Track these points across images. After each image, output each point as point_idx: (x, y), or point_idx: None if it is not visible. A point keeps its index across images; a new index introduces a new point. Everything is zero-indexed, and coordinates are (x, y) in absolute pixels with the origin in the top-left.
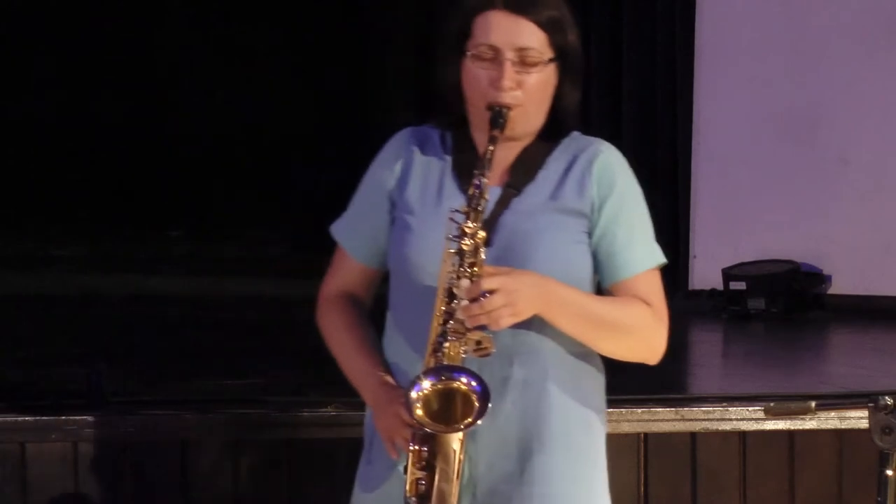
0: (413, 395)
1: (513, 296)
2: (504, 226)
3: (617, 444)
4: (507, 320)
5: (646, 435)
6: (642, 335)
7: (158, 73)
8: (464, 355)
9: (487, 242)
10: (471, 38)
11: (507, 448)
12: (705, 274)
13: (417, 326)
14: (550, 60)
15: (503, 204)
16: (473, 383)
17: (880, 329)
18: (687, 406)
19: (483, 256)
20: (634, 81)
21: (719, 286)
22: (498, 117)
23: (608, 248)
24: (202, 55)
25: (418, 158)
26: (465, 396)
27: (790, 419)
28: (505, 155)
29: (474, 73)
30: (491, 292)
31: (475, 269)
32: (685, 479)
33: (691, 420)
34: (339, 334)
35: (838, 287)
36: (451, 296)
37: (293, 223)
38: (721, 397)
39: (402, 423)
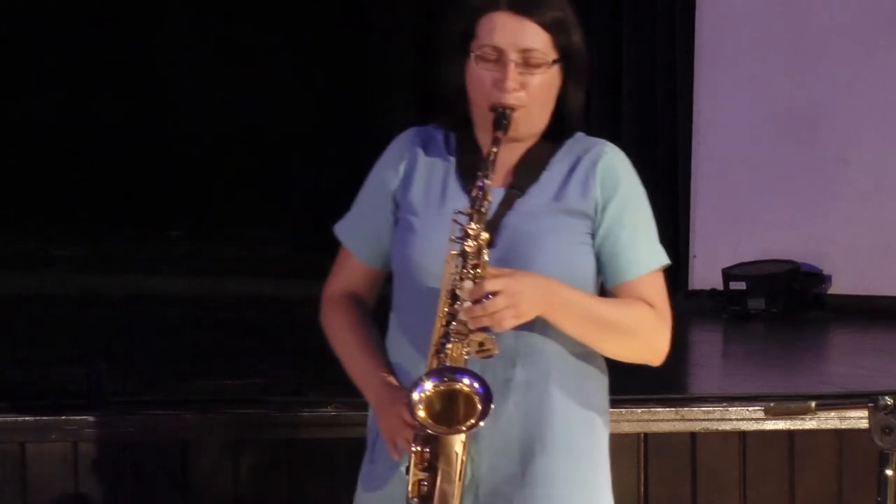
0: (415, 396)
1: (516, 298)
2: (507, 227)
3: (617, 444)
4: (509, 322)
5: (646, 435)
6: (645, 337)
7: (158, 73)
8: (466, 357)
9: (491, 243)
10: (475, 39)
11: (509, 449)
12: (705, 274)
13: (421, 327)
14: (554, 62)
15: (506, 205)
16: (476, 385)
17: (880, 329)
18: (687, 406)
19: (486, 258)
20: (634, 81)
21: (719, 286)
22: (501, 119)
23: (611, 249)
24: (202, 55)
25: (422, 159)
26: (468, 398)
27: (790, 419)
28: (508, 156)
29: (478, 74)
30: (494, 294)
31: (478, 270)
32: (685, 479)
33: (691, 420)
34: (342, 334)
35: (838, 287)
36: (453, 297)
37: (293, 223)
38: (721, 397)
39: (405, 424)
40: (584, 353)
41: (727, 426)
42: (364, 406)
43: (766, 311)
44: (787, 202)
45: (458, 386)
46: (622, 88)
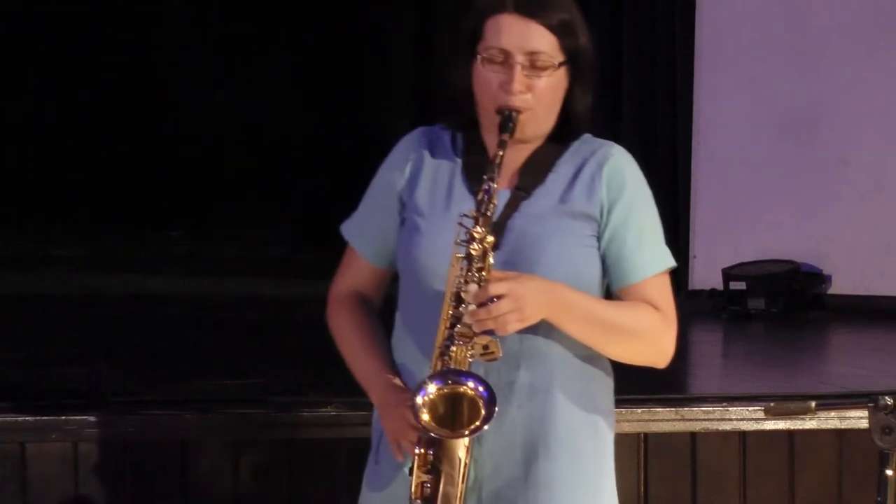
0: (419, 400)
1: (520, 301)
2: (512, 229)
3: (617, 444)
4: (514, 325)
5: (646, 435)
6: (650, 339)
7: (158, 73)
8: (471, 359)
9: (496, 245)
10: (481, 41)
11: (512, 452)
12: (705, 274)
13: (426, 328)
14: (561, 64)
15: (512, 207)
16: (480, 388)
17: (880, 329)
18: (687, 406)
19: (491, 261)
20: (634, 81)
21: (719, 286)
22: (507, 121)
23: (617, 251)
24: (202, 55)
25: (428, 159)
26: (472, 401)
27: (790, 419)
28: (515, 157)
29: (485, 76)
30: (498, 297)
31: (483, 273)
32: (685, 479)
33: (691, 420)
34: (348, 334)
35: (838, 287)
36: (458, 300)
37: (293, 223)
38: (721, 397)
39: (409, 425)
40: (589, 356)
41: (727, 426)
42: (364, 406)
43: (766, 311)
44: (787, 202)
45: (461, 389)
46: (622, 88)
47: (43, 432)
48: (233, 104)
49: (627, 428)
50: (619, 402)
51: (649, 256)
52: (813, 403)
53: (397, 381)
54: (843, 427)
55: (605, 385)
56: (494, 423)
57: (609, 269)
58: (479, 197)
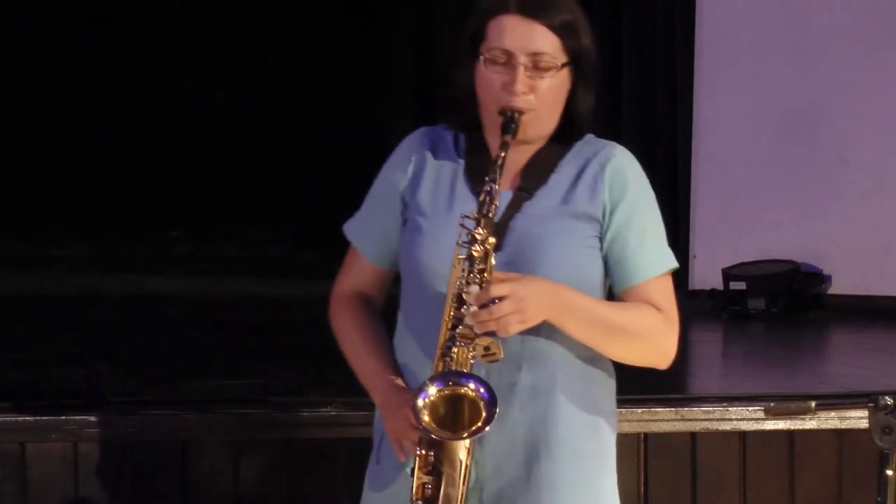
0: (419, 402)
1: (522, 303)
2: (515, 230)
3: (617, 444)
4: (515, 327)
5: (646, 435)
6: (652, 340)
7: (158, 73)
8: (472, 361)
9: (498, 246)
10: (484, 42)
11: (514, 453)
12: (705, 274)
13: (428, 329)
14: (564, 65)
15: (514, 207)
16: (481, 390)
17: (880, 329)
18: (687, 406)
19: (493, 261)
20: (634, 81)
21: (719, 286)
22: (510, 122)
23: (619, 252)
24: (202, 55)
25: (431, 160)
26: (473, 402)
27: (790, 419)
28: (517, 158)
29: (487, 77)
30: (500, 299)
31: (485, 275)
32: (685, 479)
33: (691, 420)
34: (350, 334)
35: (838, 287)
36: (460, 301)
37: (293, 223)
38: (721, 397)
39: (410, 426)
40: (591, 357)
41: (727, 426)
42: (364, 406)
43: (766, 311)
44: (787, 202)
45: (462, 390)
46: (622, 88)
47: (43, 432)
48: (233, 104)
49: (627, 428)
50: (619, 402)
51: (651, 257)
52: (813, 403)
53: (399, 381)
54: (843, 427)
55: (607, 386)
56: (496, 424)
57: (611, 270)
58: (481, 198)
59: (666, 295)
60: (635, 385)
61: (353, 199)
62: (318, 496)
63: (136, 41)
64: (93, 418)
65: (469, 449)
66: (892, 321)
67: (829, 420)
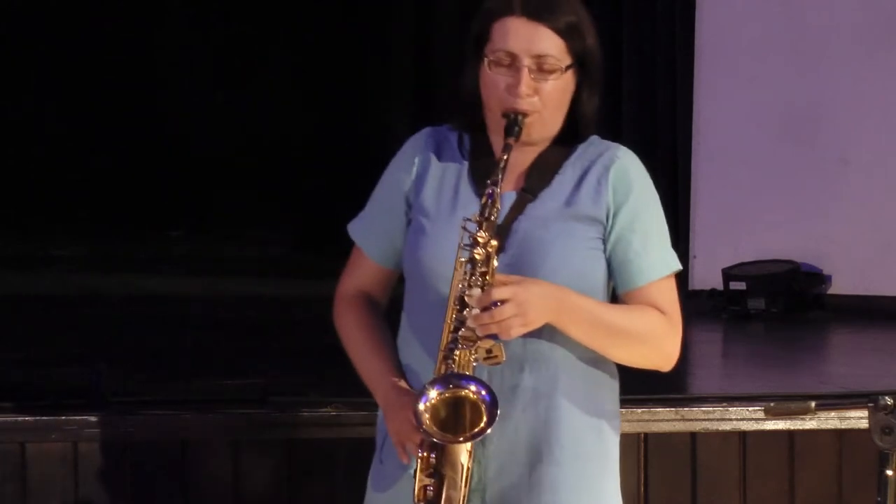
0: (420, 406)
1: (524, 306)
2: (517, 231)
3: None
4: (517, 330)
5: (646, 435)
6: (655, 343)
7: (158, 73)
8: (474, 363)
9: (501, 248)
10: (489, 44)
11: (516, 455)
12: (705, 274)
13: (431, 330)
14: (568, 67)
15: (518, 209)
16: (483, 392)
17: (880, 329)
18: (687, 406)
19: (496, 264)
20: (634, 81)
21: (719, 286)
22: (513, 125)
23: (623, 255)
24: (202, 55)
25: (435, 160)
26: (474, 405)
27: (790, 419)
28: (522, 159)
29: (492, 79)
30: (502, 301)
31: (487, 278)
32: (685, 479)
33: (691, 420)
34: (354, 334)
35: (838, 287)
36: (462, 304)
37: (293, 223)
38: (721, 397)
39: (413, 428)
40: (594, 359)
41: (727, 426)
42: (364, 406)
43: (766, 311)
44: (787, 202)
45: (463, 393)
46: (622, 88)
47: (43, 432)
48: (233, 104)
49: (627, 428)
50: (620, 403)
51: (655, 260)
52: (813, 403)
53: (402, 382)
54: (843, 427)
55: (610, 388)
56: (498, 426)
57: (614, 272)
58: (483, 201)
59: (669, 297)
60: (635, 385)
61: (353, 199)
62: (318, 496)
63: (136, 41)
64: (93, 418)
65: (471, 452)
66: (892, 321)
67: (829, 420)
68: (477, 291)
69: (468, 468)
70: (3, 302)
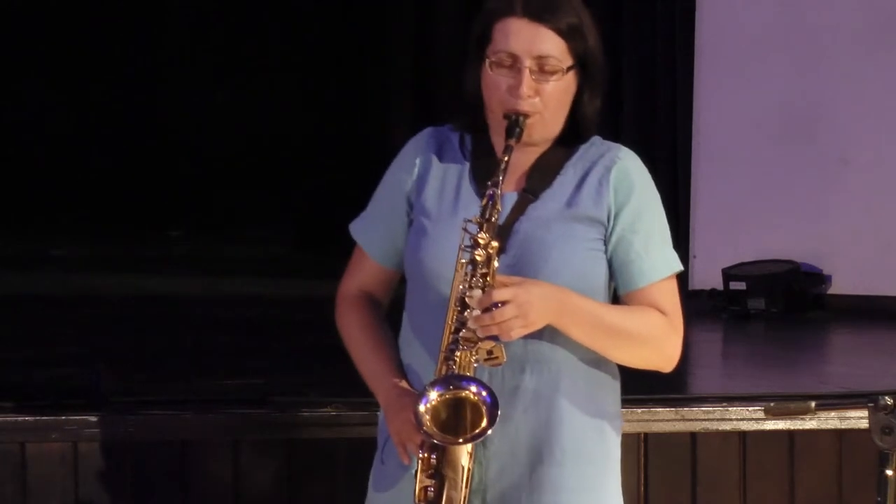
0: (421, 408)
1: (524, 307)
2: (518, 232)
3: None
4: (518, 332)
5: (646, 435)
6: (656, 344)
7: (159, 73)
8: (475, 364)
9: (502, 248)
10: (490, 45)
11: (517, 456)
12: (705, 274)
13: (432, 330)
14: (569, 68)
15: (519, 210)
16: (483, 393)
17: (880, 329)
18: (687, 406)
19: (496, 264)
20: (634, 81)
21: (719, 286)
22: (514, 126)
23: (624, 256)
24: (203, 55)
25: (437, 161)
26: (475, 406)
27: (790, 419)
28: (523, 160)
29: (493, 80)
30: (503, 303)
31: (488, 279)
32: (685, 479)
33: (691, 420)
34: (356, 334)
35: (838, 287)
36: (463, 305)
37: (294, 223)
38: (721, 397)
39: (414, 428)
40: (595, 360)
41: (727, 426)
42: (364, 406)
43: (766, 311)
44: (787, 202)
45: (464, 394)
46: (622, 88)
47: (43, 432)
48: (233, 104)
49: (627, 428)
50: (620, 403)
51: (656, 261)
52: (813, 403)
53: (403, 383)
54: (843, 427)
55: (612, 389)
56: (499, 427)
57: (616, 273)
58: (484, 203)
59: (670, 298)
60: (635, 385)
61: (352, 199)
62: (318, 496)
63: (136, 41)
64: (93, 418)
65: (471, 453)
66: (892, 321)
67: (829, 420)
68: (478, 293)
69: (469, 469)
70: (3, 302)
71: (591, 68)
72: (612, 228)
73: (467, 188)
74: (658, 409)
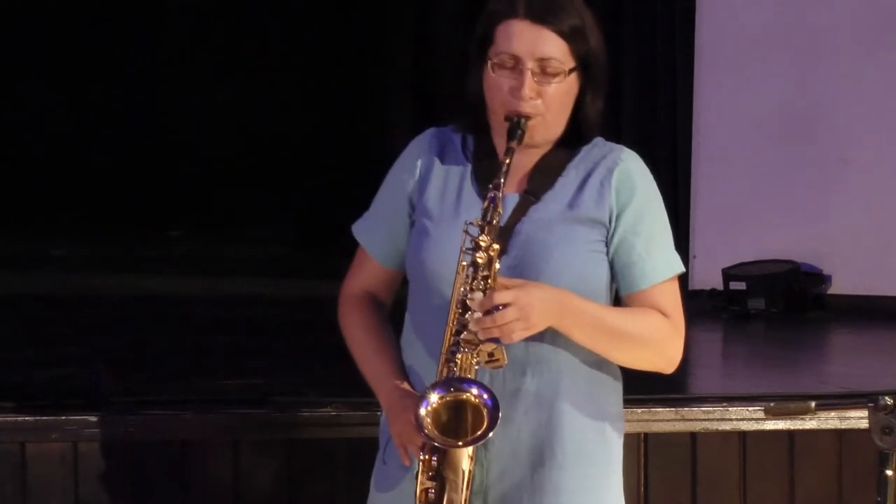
0: (422, 411)
1: (525, 310)
2: (520, 234)
3: None
4: (519, 334)
5: (646, 435)
6: (658, 346)
7: (159, 73)
8: (476, 367)
9: (503, 250)
10: (492, 46)
11: (518, 458)
12: (705, 274)
13: (433, 331)
14: (572, 70)
15: (521, 211)
16: (484, 395)
17: (880, 329)
18: (687, 406)
19: (497, 267)
20: (634, 81)
21: (719, 286)
22: (516, 128)
23: (626, 257)
24: (203, 55)
25: (439, 162)
26: (476, 408)
27: (790, 419)
28: (525, 161)
29: (495, 81)
30: (504, 305)
31: (489, 281)
32: (685, 479)
33: (691, 420)
34: (358, 335)
35: (838, 287)
36: (464, 307)
37: (294, 223)
38: (721, 397)
39: (415, 430)
40: (596, 362)
41: (727, 426)
42: (364, 406)
43: (766, 311)
44: (787, 202)
45: (465, 396)
46: (622, 88)
47: (43, 432)
48: (233, 104)
49: (627, 428)
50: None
51: (658, 262)
52: (813, 403)
53: (405, 384)
54: (843, 427)
55: (613, 390)
56: (500, 429)
57: (617, 274)
58: (485, 205)
59: (672, 300)
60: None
61: (352, 199)
62: (318, 496)
63: (136, 41)
64: (93, 418)
65: (472, 455)
66: (892, 321)
67: (829, 420)
68: (479, 295)
69: (470, 471)
70: (3, 302)
71: (593, 70)
72: (614, 230)
73: (469, 189)
74: (658, 409)
